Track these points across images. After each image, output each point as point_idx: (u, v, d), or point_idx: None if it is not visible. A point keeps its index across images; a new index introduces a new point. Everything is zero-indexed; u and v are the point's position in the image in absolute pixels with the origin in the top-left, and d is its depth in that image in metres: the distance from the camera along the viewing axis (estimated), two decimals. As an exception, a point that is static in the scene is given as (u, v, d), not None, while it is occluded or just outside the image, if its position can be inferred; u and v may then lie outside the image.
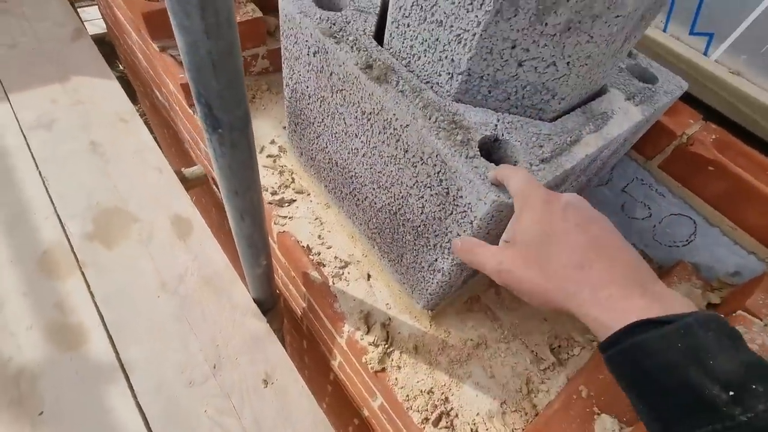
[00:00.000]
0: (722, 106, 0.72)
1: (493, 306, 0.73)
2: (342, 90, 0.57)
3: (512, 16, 0.42)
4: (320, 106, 0.64)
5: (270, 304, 0.82)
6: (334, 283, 0.72)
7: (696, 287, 0.73)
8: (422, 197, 0.53)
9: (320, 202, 0.81)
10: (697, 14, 0.72)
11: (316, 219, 0.79)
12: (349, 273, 0.73)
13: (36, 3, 1.24)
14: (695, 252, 0.76)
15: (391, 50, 0.55)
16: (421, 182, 0.51)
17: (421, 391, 0.62)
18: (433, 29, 0.48)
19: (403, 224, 0.60)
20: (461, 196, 0.46)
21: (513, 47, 0.45)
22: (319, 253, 0.74)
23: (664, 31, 0.77)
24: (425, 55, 0.51)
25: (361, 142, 0.59)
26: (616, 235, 0.33)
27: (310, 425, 0.68)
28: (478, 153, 0.46)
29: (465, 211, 0.47)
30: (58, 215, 0.85)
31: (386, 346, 0.65)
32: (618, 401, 0.58)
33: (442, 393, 0.63)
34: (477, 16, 0.43)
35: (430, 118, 0.48)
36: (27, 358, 0.68)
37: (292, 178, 0.83)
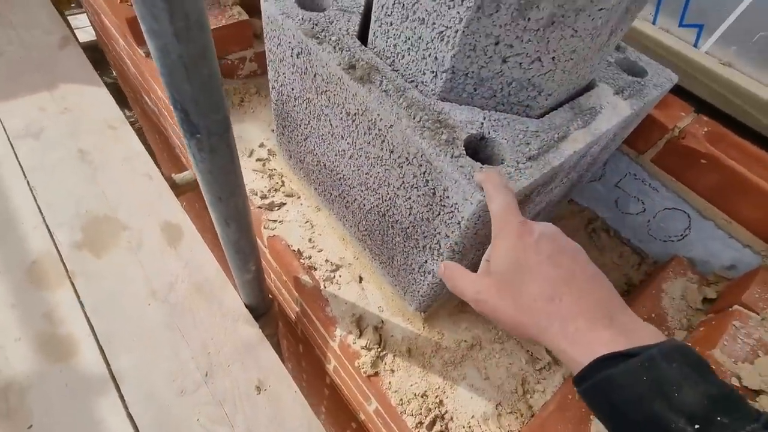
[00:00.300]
0: (714, 98, 0.71)
1: (487, 306, 0.72)
2: (326, 91, 0.56)
3: (494, 11, 0.41)
4: (306, 108, 0.63)
5: (262, 309, 0.81)
6: (325, 287, 0.71)
7: (692, 282, 0.72)
8: (409, 198, 0.52)
9: (310, 205, 0.80)
10: (686, 6, 0.72)
11: (306, 222, 0.78)
12: (340, 276, 0.72)
13: (23, 11, 1.23)
14: (690, 246, 0.75)
15: (375, 50, 0.55)
16: (408, 183, 0.51)
17: (415, 395, 0.62)
18: (415, 27, 0.48)
19: (392, 226, 0.59)
20: (448, 197, 0.46)
21: (496, 43, 0.44)
22: (310, 257, 0.74)
23: (654, 23, 0.77)
24: (409, 54, 0.50)
25: (348, 143, 0.58)
26: (588, 266, 0.34)
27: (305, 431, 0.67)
28: (464, 152, 0.45)
29: (452, 212, 0.46)
30: (46, 224, 0.84)
31: (379, 349, 0.65)
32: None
33: (436, 396, 0.62)
34: (458, 13, 0.42)
35: (414, 118, 0.47)
36: (15, 371, 0.67)
37: (282, 182, 0.82)
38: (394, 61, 0.53)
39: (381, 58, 0.54)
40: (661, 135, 0.71)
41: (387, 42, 0.52)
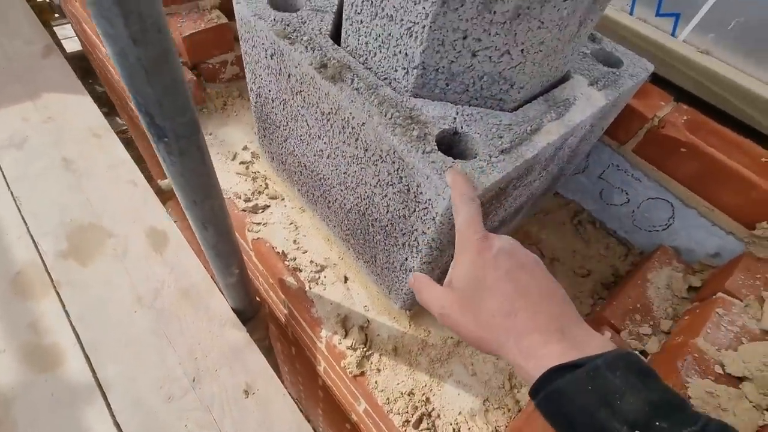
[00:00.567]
0: (693, 87, 0.72)
1: (473, 302, 0.72)
2: (301, 91, 0.56)
3: (459, 5, 0.41)
4: (283, 109, 0.63)
5: (250, 312, 0.81)
6: (310, 288, 0.70)
7: (677, 271, 0.72)
8: (386, 196, 0.52)
9: (295, 207, 0.80)
10: (662, -5, 0.72)
11: (291, 224, 0.78)
12: (325, 277, 0.72)
13: (4, 21, 1.23)
14: (675, 235, 0.75)
15: (348, 48, 0.54)
16: (384, 181, 0.50)
17: (402, 393, 0.61)
18: (385, 24, 0.47)
19: (372, 224, 0.59)
20: (421, 193, 0.45)
21: (464, 37, 0.44)
22: (295, 258, 0.73)
23: (631, 14, 0.77)
24: (380, 51, 0.50)
25: (324, 143, 0.58)
26: (544, 280, 0.35)
27: (293, 434, 0.67)
28: (436, 147, 0.45)
29: (426, 208, 0.46)
30: (30, 234, 0.83)
31: (365, 349, 0.64)
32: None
33: (423, 394, 0.62)
34: (424, 8, 0.42)
35: (385, 115, 0.47)
36: (0, 382, 0.66)
37: (266, 184, 0.82)
38: (366, 59, 0.53)
39: (354, 57, 0.54)
40: (641, 125, 0.71)
41: (359, 40, 0.52)
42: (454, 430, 0.59)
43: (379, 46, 0.50)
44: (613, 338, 0.63)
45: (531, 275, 0.35)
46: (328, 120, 0.54)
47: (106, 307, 0.76)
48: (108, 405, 0.67)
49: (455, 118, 0.48)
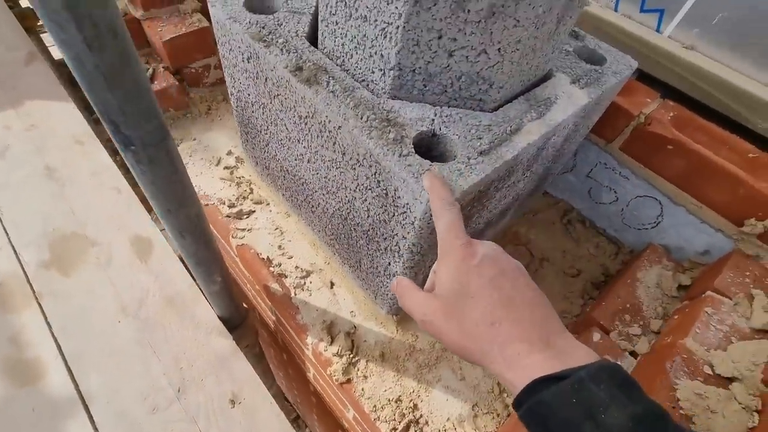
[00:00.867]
0: (678, 83, 0.71)
1: (461, 305, 0.71)
2: (278, 95, 0.55)
3: (432, 5, 0.40)
4: (263, 113, 0.62)
5: (237, 320, 0.79)
6: (295, 294, 0.69)
7: (667, 269, 0.71)
8: (366, 200, 0.51)
9: (280, 212, 0.79)
10: (646, -9, 0.71)
11: (276, 229, 0.76)
12: (311, 282, 0.71)
13: (-14, 29, 1.21)
14: (664, 233, 0.74)
15: (326, 50, 0.53)
16: (362, 185, 0.49)
17: (389, 400, 0.60)
18: (359, 25, 0.46)
19: (354, 229, 0.58)
20: (399, 197, 0.44)
21: (439, 37, 0.43)
22: (280, 264, 0.72)
23: (615, 10, 0.76)
24: (356, 53, 0.49)
25: (304, 147, 0.57)
26: (528, 289, 0.35)
27: (280, 443, 0.66)
28: (413, 150, 0.44)
29: (405, 212, 0.45)
30: (12, 245, 0.82)
31: (351, 355, 0.63)
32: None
33: (411, 400, 0.61)
34: (397, 8, 0.41)
35: (361, 118, 0.46)
36: (-21, 398, 0.65)
37: (251, 189, 0.81)
38: (344, 60, 0.52)
39: (330, 59, 0.53)
40: (627, 122, 0.70)
41: (335, 42, 0.51)
42: (442, 436, 0.58)
43: (355, 47, 0.49)
44: (603, 340, 0.62)
45: (514, 283, 0.35)
46: (306, 124, 0.53)
47: (89, 317, 0.75)
48: (90, 418, 0.65)
49: (433, 120, 0.47)
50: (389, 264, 0.55)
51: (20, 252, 0.81)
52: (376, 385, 0.62)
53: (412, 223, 0.45)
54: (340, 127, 0.47)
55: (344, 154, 0.49)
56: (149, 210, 0.95)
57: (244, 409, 0.70)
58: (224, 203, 0.78)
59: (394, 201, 0.46)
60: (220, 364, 0.73)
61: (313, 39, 0.56)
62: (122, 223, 0.88)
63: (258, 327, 0.94)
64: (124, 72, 0.33)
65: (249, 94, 0.62)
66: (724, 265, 0.62)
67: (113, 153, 1.05)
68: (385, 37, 0.44)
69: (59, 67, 1.63)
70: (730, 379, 0.51)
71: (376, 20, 0.44)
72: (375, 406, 0.60)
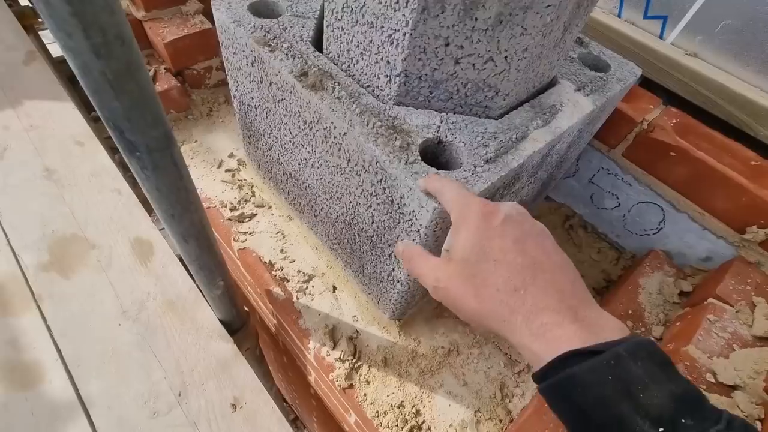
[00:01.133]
0: (681, 89, 0.71)
1: (463, 310, 0.71)
2: (282, 100, 0.55)
3: (440, 12, 0.40)
4: (266, 117, 0.62)
5: (238, 324, 0.79)
6: (298, 299, 0.69)
7: (668, 275, 0.71)
8: (370, 206, 0.50)
9: (282, 215, 0.78)
10: (649, -3, 0.71)
11: (278, 232, 0.76)
12: (313, 287, 0.71)
13: (-15, 28, 1.20)
14: (666, 239, 0.74)
15: (331, 55, 0.53)
16: (367, 191, 0.49)
17: (392, 406, 0.60)
18: (365, 31, 0.46)
19: (358, 234, 0.57)
20: (405, 204, 0.44)
21: (446, 45, 0.43)
22: (282, 268, 0.72)
23: (619, 16, 0.76)
24: (362, 59, 0.49)
25: (308, 152, 0.56)
26: (554, 253, 0.32)
27: (282, 448, 0.66)
28: (419, 158, 0.44)
29: (411, 220, 0.45)
30: (11, 247, 0.81)
31: (353, 360, 0.63)
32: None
33: (413, 406, 0.61)
34: (404, 15, 0.41)
35: (367, 124, 0.46)
36: (-22, 402, 0.64)
37: (252, 192, 0.81)
38: (349, 66, 0.51)
39: (336, 64, 0.52)
40: (630, 129, 0.70)
41: (340, 47, 0.51)
42: (444, 442, 0.58)
43: (361, 53, 0.49)
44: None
45: (540, 247, 0.32)
46: (311, 129, 0.53)
47: (89, 320, 0.75)
48: (91, 422, 0.65)
49: (439, 127, 0.47)
50: (393, 270, 0.55)
51: (19, 254, 0.80)
52: (379, 391, 0.62)
53: (418, 231, 0.45)
54: (345, 133, 0.47)
55: (349, 160, 0.49)
56: (150, 212, 0.95)
57: (245, 414, 0.69)
58: (226, 206, 0.78)
59: (399, 208, 0.45)
60: (221, 368, 0.73)
61: (317, 43, 0.55)
62: (123, 225, 0.87)
63: (258, 329, 0.94)
64: (131, 79, 0.33)
65: (252, 98, 0.62)
66: (725, 273, 0.63)
67: (112, 152, 1.04)
68: (391, 43, 0.44)
69: (58, 65, 1.61)
70: (733, 387, 0.51)
71: (382, 27, 0.44)
72: (377, 411, 0.60)
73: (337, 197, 0.57)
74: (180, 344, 0.74)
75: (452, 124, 0.48)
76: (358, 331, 0.67)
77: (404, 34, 0.42)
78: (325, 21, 0.51)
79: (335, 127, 0.48)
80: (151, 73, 0.90)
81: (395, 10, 0.42)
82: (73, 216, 0.87)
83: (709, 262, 0.71)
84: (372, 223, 0.52)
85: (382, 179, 0.45)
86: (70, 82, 1.28)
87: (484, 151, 0.46)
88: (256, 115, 0.65)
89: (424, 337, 0.67)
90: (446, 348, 0.66)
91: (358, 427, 0.67)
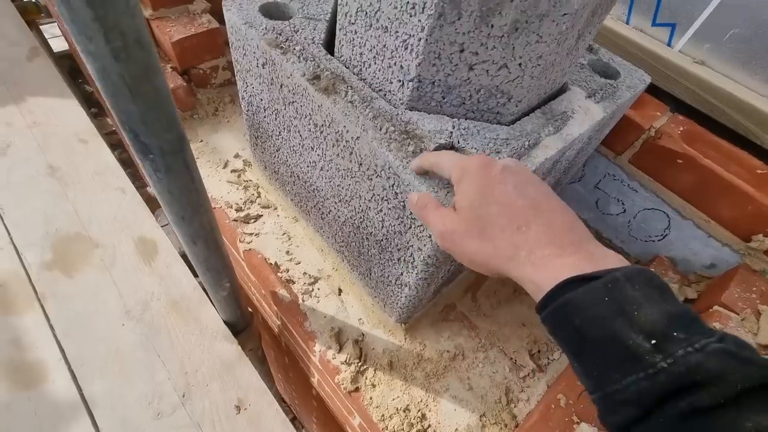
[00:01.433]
0: (689, 97, 0.71)
1: (469, 314, 0.71)
2: (293, 102, 0.54)
3: (456, 19, 0.40)
4: (276, 119, 0.61)
5: (242, 324, 0.79)
6: (303, 301, 0.69)
7: (673, 282, 0.72)
8: (381, 211, 0.50)
9: (288, 216, 0.78)
10: (658, 5, 0.71)
11: (284, 234, 0.76)
12: (319, 289, 0.71)
13: (-12, 23, 1.19)
14: (671, 246, 0.74)
15: (342, 58, 0.53)
16: (378, 196, 0.49)
17: (397, 410, 0.60)
18: (379, 35, 0.46)
19: (366, 238, 0.57)
20: (417, 210, 0.44)
21: (461, 51, 0.43)
22: (288, 270, 0.72)
23: (627, 23, 0.76)
24: (375, 63, 0.49)
25: (318, 155, 0.56)
26: (553, 197, 0.34)
27: (286, 450, 0.66)
28: (432, 163, 0.43)
29: (422, 225, 0.45)
30: (14, 245, 0.81)
31: (359, 364, 0.63)
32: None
33: (419, 410, 0.61)
34: (420, 21, 0.41)
35: (380, 129, 0.46)
36: (-19, 401, 0.64)
37: (258, 193, 0.80)
38: (361, 70, 0.51)
39: (348, 68, 0.52)
40: (637, 135, 0.70)
41: (353, 51, 0.51)
42: (450, 447, 0.58)
43: (374, 57, 0.48)
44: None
45: (540, 191, 0.34)
46: (321, 132, 0.52)
47: (92, 320, 0.74)
48: (94, 423, 0.65)
49: (452, 133, 0.47)
50: (402, 274, 0.55)
51: (22, 252, 0.80)
52: (384, 394, 0.62)
53: (430, 237, 0.45)
54: (358, 138, 0.46)
55: (361, 164, 0.49)
56: (153, 210, 0.94)
57: (249, 416, 0.69)
58: (231, 207, 0.78)
59: (411, 214, 0.45)
60: (225, 369, 0.73)
61: (328, 46, 0.55)
62: (126, 224, 0.87)
63: (261, 330, 0.94)
64: (148, 84, 0.33)
65: (262, 100, 0.62)
66: (730, 280, 0.63)
67: (113, 148, 1.03)
68: (406, 48, 0.44)
69: (59, 59, 1.60)
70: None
71: (397, 32, 0.44)
72: (383, 415, 0.60)
73: (346, 200, 0.57)
74: (184, 345, 0.73)
75: (464, 129, 0.48)
76: (363, 334, 0.67)
77: (419, 40, 0.42)
78: (337, 24, 0.51)
79: (347, 131, 0.48)
80: (157, 71, 0.89)
81: (411, 16, 0.41)
82: (77, 214, 0.86)
83: (713, 270, 0.71)
84: (382, 227, 0.52)
85: (394, 184, 0.45)
86: (71, 77, 1.27)
87: (497, 158, 0.46)
88: (264, 117, 0.65)
89: (429, 340, 0.67)
90: (452, 352, 0.66)
91: (362, 430, 0.67)
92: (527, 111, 0.52)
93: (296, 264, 0.73)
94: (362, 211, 0.54)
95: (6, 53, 1.13)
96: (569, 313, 0.27)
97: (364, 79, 0.51)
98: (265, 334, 1.04)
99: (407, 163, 0.43)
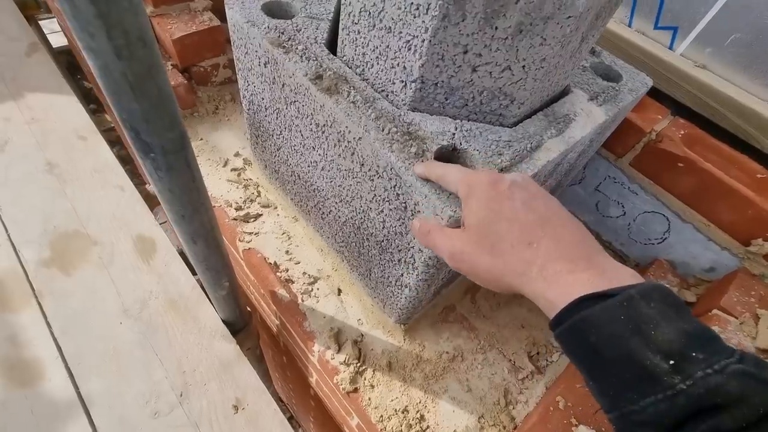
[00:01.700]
0: (690, 101, 0.71)
1: (468, 315, 0.71)
2: (295, 102, 0.54)
3: (460, 20, 0.40)
4: (277, 118, 0.61)
5: (241, 324, 0.79)
6: (303, 301, 0.69)
7: (672, 285, 0.72)
8: (382, 211, 0.50)
9: (288, 216, 0.78)
10: (660, 8, 0.71)
11: (283, 233, 0.76)
12: (318, 289, 0.70)
13: (-14, 18, 1.18)
14: (670, 249, 0.75)
15: (345, 58, 0.53)
16: (380, 196, 0.49)
17: (396, 411, 0.60)
18: (383, 36, 0.46)
19: (367, 238, 0.57)
20: (419, 211, 0.44)
21: (465, 52, 0.43)
22: (287, 270, 0.72)
23: (629, 26, 0.76)
24: (378, 63, 0.49)
25: (319, 155, 0.56)
26: (563, 211, 0.34)
27: (284, 451, 0.66)
28: (434, 165, 0.43)
29: (424, 226, 0.45)
30: (11, 242, 0.80)
31: (358, 364, 0.63)
32: (595, 411, 0.57)
33: (417, 411, 0.60)
34: (424, 22, 0.41)
35: (383, 130, 0.45)
36: (-23, 399, 0.63)
37: (258, 192, 0.80)
38: (363, 70, 0.51)
39: (350, 68, 0.52)
40: (638, 138, 0.71)
41: (356, 51, 0.51)
42: (448, 448, 0.58)
43: (377, 57, 0.48)
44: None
45: (549, 206, 0.34)
46: (323, 132, 0.52)
47: (90, 318, 0.74)
48: (91, 422, 0.64)
49: (454, 134, 0.47)
50: (402, 275, 0.55)
51: (20, 249, 0.79)
52: (383, 395, 0.61)
53: (431, 238, 0.45)
54: (360, 138, 0.46)
55: (362, 165, 0.49)
56: (152, 208, 0.94)
57: (247, 415, 0.69)
58: (231, 206, 0.78)
59: (413, 215, 0.45)
60: (223, 368, 0.72)
61: (331, 46, 0.55)
62: (125, 222, 0.86)
63: (259, 329, 0.94)
64: (150, 82, 0.32)
65: (263, 98, 0.62)
66: (729, 284, 0.63)
67: (112, 145, 1.03)
68: (409, 49, 0.44)
69: (57, 55, 1.59)
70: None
71: (401, 32, 0.44)
72: (381, 416, 0.60)
73: (347, 201, 0.56)
74: (182, 344, 0.73)
75: (467, 131, 0.48)
76: (362, 335, 0.66)
77: (423, 41, 0.42)
78: (340, 24, 0.51)
79: (349, 132, 0.47)
80: (157, 68, 0.89)
81: (415, 17, 0.41)
82: (75, 212, 0.86)
83: (712, 273, 0.71)
84: (383, 228, 0.52)
85: (396, 185, 0.45)
86: (69, 72, 1.26)
87: (499, 160, 0.45)
88: (265, 116, 0.64)
89: (428, 342, 0.67)
90: (451, 353, 0.66)
91: (360, 431, 0.67)
92: (530, 113, 0.52)
93: (296, 264, 0.73)
94: (363, 211, 0.54)
95: (5, 48, 1.12)
96: (584, 330, 0.27)
97: (367, 80, 0.51)
98: (263, 334, 1.04)
99: (409, 164, 0.43)
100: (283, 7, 0.59)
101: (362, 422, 0.62)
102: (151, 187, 0.96)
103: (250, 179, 0.82)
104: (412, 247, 0.49)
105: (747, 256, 0.65)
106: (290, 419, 1.63)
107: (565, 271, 0.29)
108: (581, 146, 0.55)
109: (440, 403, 0.62)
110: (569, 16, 0.40)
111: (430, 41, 0.42)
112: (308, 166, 0.61)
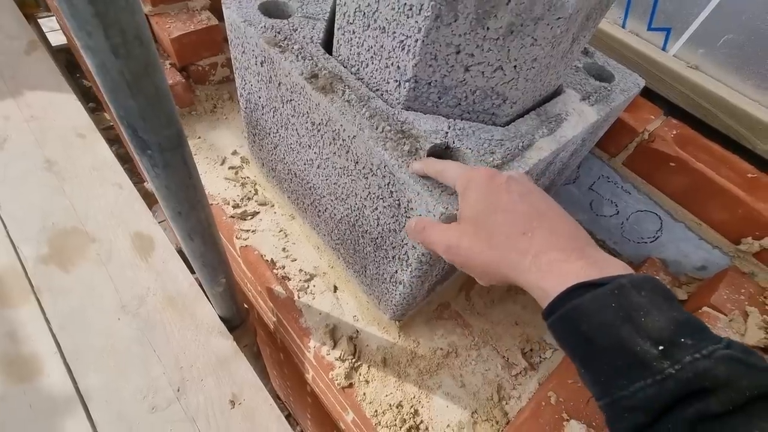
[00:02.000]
0: (682, 101, 0.72)
1: (463, 312, 0.72)
2: (291, 100, 0.55)
3: (452, 21, 0.41)
4: (273, 116, 0.62)
5: (238, 320, 0.79)
6: (299, 297, 0.70)
7: (664, 283, 0.73)
8: (376, 209, 0.51)
9: (284, 214, 0.79)
10: (654, 9, 0.72)
11: (280, 231, 0.76)
12: (314, 286, 0.71)
13: (-14, 16, 1.19)
14: (662, 248, 0.75)
15: (340, 58, 0.54)
16: (374, 194, 0.50)
17: (390, 405, 0.61)
18: (377, 36, 0.47)
19: (362, 236, 0.58)
20: (412, 209, 0.45)
21: (457, 52, 0.43)
22: (284, 267, 0.72)
23: (623, 27, 0.77)
24: (372, 63, 0.49)
25: (314, 153, 0.57)
26: (557, 206, 0.35)
27: (280, 445, 0.66)
28: (427, 163, 0.44)
29: (417, 223, 0.45)
30: (10, 239, 0.81)
31: (353, 360, 0.64)
32: (587, 406, 0.57)
33: (412, 406, 0.61)
34: (417, 22, 0.42)
35: (377, 128, 0.46)
36: (-24, 394, 0.64)
37: (255, 190, 0.81)
38: (358, 69, 0.52)
39: (345, 67, 0.53)
40: (631, 138, 0.71)
41: (351, 50, 0.51)
42: (442, 443, 0.59)
43: (371, 57, 0.49)
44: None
45: (544, 200, 0.35)
46: (319, 131, 0.53)
47: (88, 314, 0.74)
48: (89, 416, 0.65)
49: (447, 133, 0.48)
50: (396, 272, 0.55)
51: (19, 246, 0.80)
52: (378, 390, 0.62)
53: (424, 235, 0.45)
54: (354, 136, 0.47)
55: (357, 163, 0.49)
56: (151, 206, 0.94)
57: (244, 411, 0.70)
58: (228, 203, 0.78)
59: (406, 212, 0.46)
60: (220, 364, 0.73)
61: (327, 46, 0.56)
62: (123, 219, 0.87)
63: (256, 326, 0.94)
64: (147, 80, 0.33)
65: (260, 97, 0.62)
66: (720, 282, 0.64)
67: (110, 143, 1.03)
68: (402, 49, 0.45)
69: (56, 53, 1.60)
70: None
71: (394, 32, 0.44)
72: (376, 411, 0.61)
73: (342, 198, 0.57)
74: (179, 340, 0.74)
75: (460, 130, 0.48)
76: (358, 331, 0.67)
77: (416, 41, 0.43)
78: (336, 24, 0.52)
79: (344, 130, 0.48)
80: (156, 67, 0.89)
81: (408, 17, 0.42)
82: (74, 209, 0.87)
83: (704, 271, 0.72)
84: (377, 225, 0.53)
85: (389, 183, 0.46)
86: (68, 71, 1.27)
87: (491, 158, 0.46)
88: (262, 114, 0.65)
89: (423, 338, 0.68)
90: (445, 349, 0.67)
91: (355, 426, 0.68)
92: (522, 112, 0.53)
93: (292, 261, 0.73)
94: (358, 209, 0.55)
95: (4, 46, 1.13)
96: (576, 319, 0.27)
97: (362, 79, 0.52)
98: (260, 331, 1.05)
99: (403, 162, 0.44)
100: (279, 6, 0.59)
101: (357, 417, 0.63)
102: (149, 185, 0.97)
103: (248, 177, 0.82)
104: (406, 243, 0.50)
105: (737, 254, 0.66)
106: (288, 417, 1.64)
107: (559, 261, 0.30)
108: (573, 145, 0.56)
109: (434, 398, 0.62)
110: (559, 17, 0.40)
111: (423, 41, 0.42)
112: (304, 164, 0.62)
